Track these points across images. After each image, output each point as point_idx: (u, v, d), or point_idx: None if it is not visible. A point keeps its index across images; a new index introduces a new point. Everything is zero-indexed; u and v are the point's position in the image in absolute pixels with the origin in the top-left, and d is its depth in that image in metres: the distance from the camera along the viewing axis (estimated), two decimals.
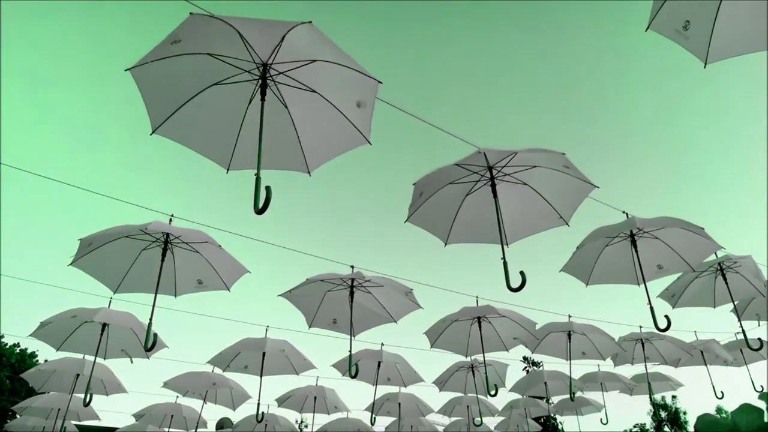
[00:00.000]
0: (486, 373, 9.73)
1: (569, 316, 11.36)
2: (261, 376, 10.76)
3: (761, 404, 1.54)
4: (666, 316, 7.08)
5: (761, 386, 11.51)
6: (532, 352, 12.18)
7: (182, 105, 5.20)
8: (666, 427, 47.51)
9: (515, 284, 5.60)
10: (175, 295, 7.86)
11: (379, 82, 4.91)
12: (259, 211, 4.29)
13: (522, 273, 5.58)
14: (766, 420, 1.51)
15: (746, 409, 1.54)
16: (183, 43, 4.55)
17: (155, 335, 6.69)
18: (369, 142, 5.46)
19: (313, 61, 4.87)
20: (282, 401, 14.33)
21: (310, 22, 4.30)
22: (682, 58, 4.85)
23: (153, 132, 5.24)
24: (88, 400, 8.07)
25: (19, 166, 7.04)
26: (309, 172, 5.82)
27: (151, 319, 6.57)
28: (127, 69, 4.60)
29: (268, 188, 4.35)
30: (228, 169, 5.71)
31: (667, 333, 7.85)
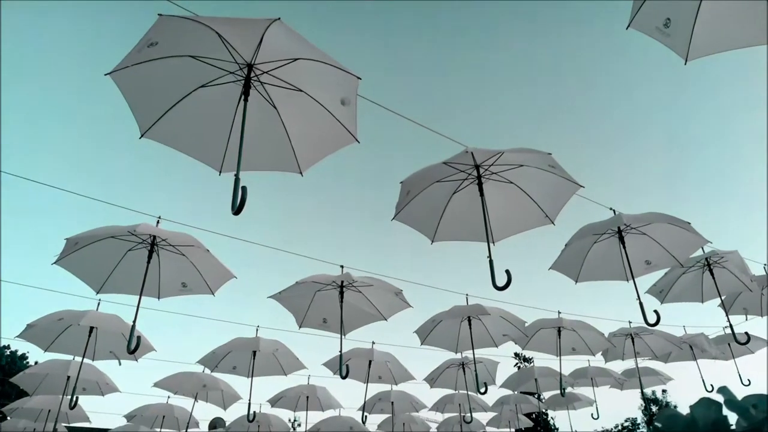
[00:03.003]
0: (476, 371, 9.75)
1: (559, 313, 11.42)
2: (251, 377, 10.76)
3: (721, 397, 1.57)
4: (655, 311, 7.15)
5: (748, 380, 11.61)
6: (523, 349, 12.24)
7: (170, 108, 5.16)
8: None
9: (501, 283, 5.62)
10: (159, 298, 7.83)
11: (358, 77, 4.88)
12: (236, 212, 4.27)
13: (507, 272, 5.60)
14: (724, 413, 1.53)
15: (704, 403, 1.57)
16: (161, 46, 4.50)
17: (138, 338, 6.67)
18: (357, 141, 5.43)
19: (296, 59, 4.84)
20: (275, 402, 14.32)
21: (279, 18, 4.25)
22: (674, 54, 4.85)
23: (142, 136, 5.21)
24: (73, 402, 8.04)
25: (4, 169, 6.98)
26: (301, 173, 5.78)
27: (134, 322, 6.56)
28: (107, 74, 4.56)
29: (243, 188, 4.33)
30: (221, 172, 5.66)
31: (656, 327, 7.92)
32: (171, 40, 4.54)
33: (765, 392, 1.57)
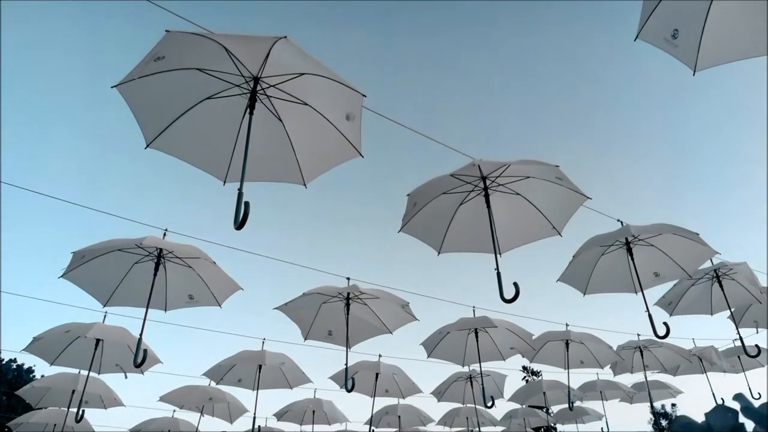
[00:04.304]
0: (483, 384, 9.66)
1: (566, 325, 11.33)
2: (257, 390, 10.71)
3: (737, 405, 1.54)
4: (665, 323, 7.06)
5: (759, 393, 11.45)
6: (530, 362, 12.14)
7: (176, 119, 5.20)
8: None
9: (509, 295, 5.57)
10: (165, 310, 7.83)
11: (363, 95, 4.91)
12: (238, 227, 4.26)
13: (515, 284, 5.55)
14: (740, 420, 1.51)
15: (720, 410, 1.54)
16: (168, 60, 4.54)
17: (145, 351, 6.65)
18: (361, 155, 5.45)
19: (302, 74, 4.87)
20: (281, 415, 14.23)
21: (285, 36, 4.28)
22: (680, 63, 4.84)
23: (147, 146, 5.24)
24: (80, 416, 8.01)
25: (7, 180, 7.01)
26: (305, 185, 5.79)
27: (141, 335, 6.54)
28: (114, 86, 4.59)
29: (246, 204, 4.32)
30: (225, 182, 5.69)
31: (665, 340, 7.82)
32: (177, 54, 4.57)
33: None
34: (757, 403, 1.59)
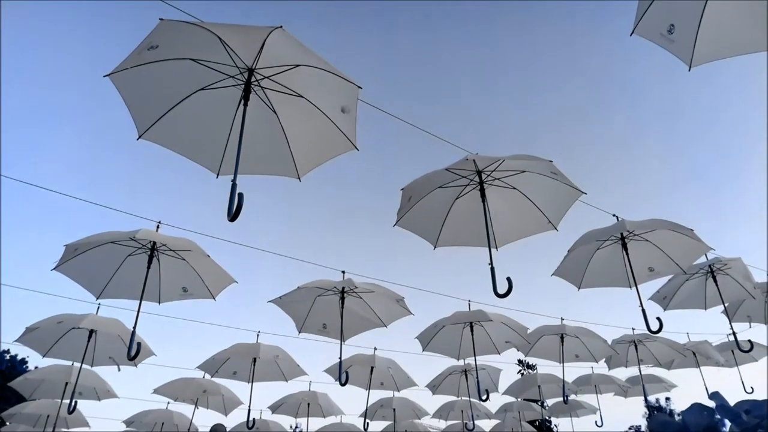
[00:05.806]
0: (477, 377, 9.69)
1: (561, 319, 11.35)
2: (252, 382, 10.71)
3: (712, 403, 1.54)
4: (658, 318, 7.09)
5: (751, 387, 11.52)
6: (525, 356, 12.17)
7: (169, 110, 5.14)
8: None
9: (502, 290, 5.57)
10: (159, 302, 7.80)
11: (359, 87, 4.87)
12: (231, 219, 4.23)
13: (509, 279, 5.55)
14: (716, 419, 1.51)
15: (696, 408, 1.55)
16: (161, 49, 4.48)
17: (139, 344, 6.62)
18: (356, 148, 5.42)
19: (297, 65, 4.82)
20: (275, 408, 14.24)
21: (281, 26, 4.24)
22: (677, 59, 4.82)
23: (140, 137, 5.18)
24: (72, 407, 8.00)
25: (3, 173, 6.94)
26: (299, 178, 5.75)
27: (134, 327, 6.51)
28: (106, 75, 4.54)
29: (240, 195, 4.30)
30: (218, 174, 5.64)
31: (659, 335, 7.84)
32: (171, 44, 4.52)
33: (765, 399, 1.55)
34: (733, 401, 1.60)
